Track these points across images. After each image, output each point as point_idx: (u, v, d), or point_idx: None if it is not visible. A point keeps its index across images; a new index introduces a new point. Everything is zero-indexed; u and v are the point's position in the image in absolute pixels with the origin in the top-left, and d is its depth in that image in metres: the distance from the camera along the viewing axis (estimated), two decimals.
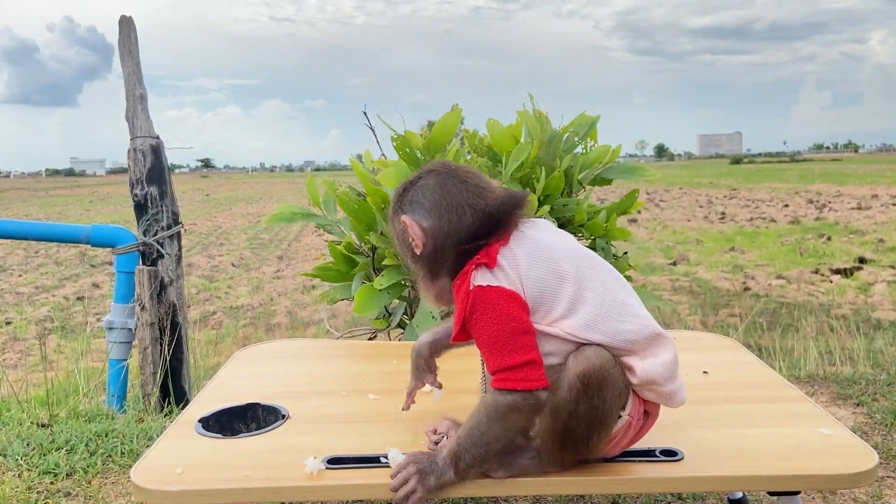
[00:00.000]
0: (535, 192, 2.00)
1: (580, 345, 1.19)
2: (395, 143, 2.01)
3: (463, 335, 1.21)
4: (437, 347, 1.47)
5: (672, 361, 1.24)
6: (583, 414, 1.18)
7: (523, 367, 1.13)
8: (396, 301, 2.33)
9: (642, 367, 1.20)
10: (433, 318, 2.09)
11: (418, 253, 1.22)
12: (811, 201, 20.28)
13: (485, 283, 1.16)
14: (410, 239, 1.21)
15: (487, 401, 1.17)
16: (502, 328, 1.14)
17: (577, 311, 1.19)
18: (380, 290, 2.04)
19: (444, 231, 1.19)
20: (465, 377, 1.60)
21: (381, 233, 2.12)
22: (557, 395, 1.18)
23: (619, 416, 1.22)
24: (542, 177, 2.05)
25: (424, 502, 1.19)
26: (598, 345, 1.19)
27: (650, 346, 1.23)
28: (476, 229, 1.19)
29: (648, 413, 1.28)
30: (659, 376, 1.21)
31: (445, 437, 1.34)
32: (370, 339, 2.47)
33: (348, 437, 1.43)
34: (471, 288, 1.17)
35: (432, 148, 1.97)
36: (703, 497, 1.92)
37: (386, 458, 1.31)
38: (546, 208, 2.02)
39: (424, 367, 1.48)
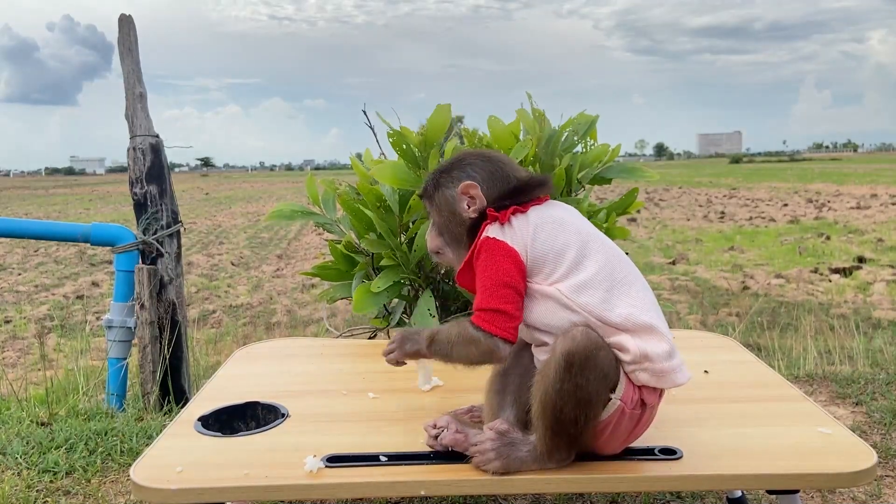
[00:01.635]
0: None
1: (572, 325, 1.24)
2: (391, 140, 2.01)
3: (462, 277, 1.37)
4: None
5: (667, 351, 1.25)
6: (567, 393, 1.21)
7: (495, 313, 1.26)
8: (396, 300, 2.33)
9: (635, 343, 1.23)
10: (432, 315, 2.09)
11: (472, 217, 1.35)
12: (810, 201, 20.28)
13: (492, 236, 1.31)
14: (465, 205, 1.35)
15: (463, 323, 1.32)
16: (492, 275, 1.28)
17: (572, 276, 1.27)
18: (375, 291, 2.04)
19: (493, 196, 1.35)
20: (465, 376, 1.60)
21: (379, 235, 2.12)
22: (545, 375, 1.23)
23: (610, 399, 1.24)
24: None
25: (401, 363, 1.45)
26: (586, 325, 1.24)
27: (641, 331, 1.25)
28: (511, 195, 1.35)
29: (646, 403, 1.28)
30: (652, 352, 1.24)
31: (445, 430, 1.34)
32: (370, 337, 2.48)
33: (347, 436, 1.43)
34: (481, 238, 1.32)
35: (428, 144, 1.98)
36: (703, 496, 1.92)
37: (386, 456, 1.32)
38: None
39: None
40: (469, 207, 1.35)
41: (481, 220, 1.35)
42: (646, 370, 1.24)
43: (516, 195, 1.35)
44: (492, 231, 1.32)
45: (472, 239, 1.35)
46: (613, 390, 1.24)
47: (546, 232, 1.30)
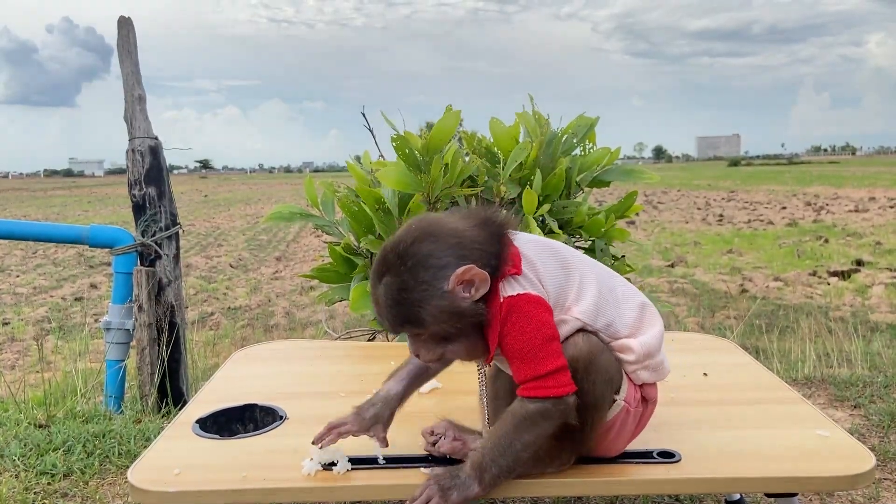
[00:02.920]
0: (534, 192, 2.00)
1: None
2: (394, 144, 2.01)
3: (493, 350, 1.19)
4: (407, 397, 1.37)
5: (661, 331, 1.27)
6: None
7: (553, 373, 1.14)
8: None
9: (639, 342, 1.23)
10: None
11: (475, 300, 1.14)
12: (809, 203, 20.30)
13: (514, 293, 1.15)
14: (466, 293, 1.13)
15: (515, 409, 1.16)
16: (533, 335, 1.13)
17: (582, 298, 1.21)
18: None
19: (486, 263, 1.15)
20: (464, 378, 1.60)
21: (379, 235, 2.12)
22: None
23: (615, 401, 1.23)
24: (539, 178, 2.06)
25: None
26: (594, 332, 1.22)
27: (643, 320, 1.26)
28: (498, 251, 1.17)
29: (647, 400, 1.29)
30: (654, 348, 1.24)
31: (443, 437, 1.33)
32: (369, 339, 2.47)
33: (345, 439, 1.43)
34: (501, 300, 1.15)
35: (431, 149, 1.98)
36: (701, 499, 1.92)
37: (384, 459, 1.31)
38: (546, 207, 2.02)
39: (380, 420, 1.32)
40: (472, 293, 1.14)
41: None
42: (647, 367, 1.25)
43: (499, 245, 1.17)
44: (509, 288, 1.16)
45: (480, 317, 1.16)
46: (617, 392, 1.24)
47: (547, 265, 1.21)
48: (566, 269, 1.22)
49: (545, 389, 1.14)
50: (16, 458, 2.16)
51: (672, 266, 9.83)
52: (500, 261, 1.16)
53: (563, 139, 2.26)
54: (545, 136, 2.16)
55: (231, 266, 11.40)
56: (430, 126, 2.13)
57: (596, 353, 1.19)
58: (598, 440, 1.27)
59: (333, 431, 1.30)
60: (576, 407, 1.17)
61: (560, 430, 1.19)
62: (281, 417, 1.54)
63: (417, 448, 1.37)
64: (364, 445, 1.37)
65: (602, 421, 1.23)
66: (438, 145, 1.98)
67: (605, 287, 1.25)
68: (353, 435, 1.30)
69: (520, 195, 2.19)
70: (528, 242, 1.23)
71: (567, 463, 1.28)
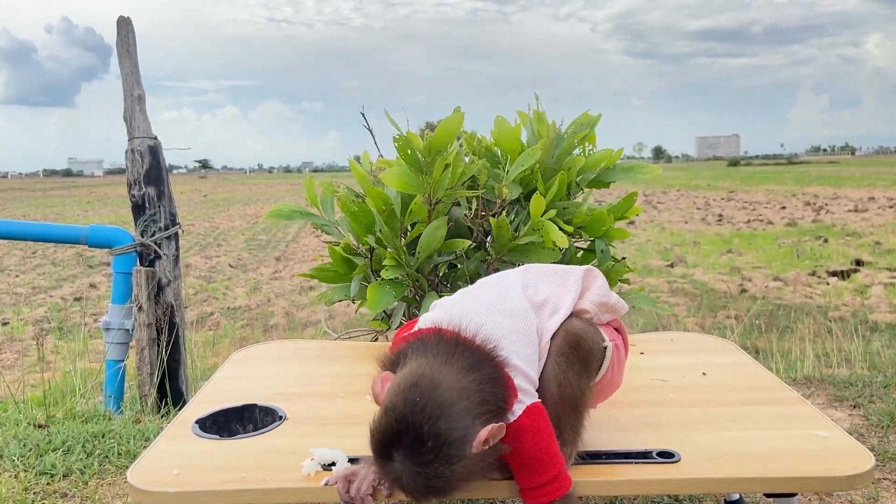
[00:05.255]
0: (540, 194, 2.00)
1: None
2: (396, 144, 2.01)
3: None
4: None
5: (602, 283, 1.39)
6: (574, 374, 1.27)
7: (556, 478, 1.20)
8: (396, 302, 2.32)
9: (589, 301, 1.35)
10: None
11: (503, 433, 1.13)
12: (808, 203, 20.30)
13: (518, 415, 1.19)
14: (493, 443, 1.11)
15: None
16: (538, 447, 1.19)
17: (556, 312, 1.32)
18: (387, 288, 2.03)
19: (488, 402, 1.16)
20: None
21: (380, 231, 2.12)
22: (554, 374, 1.27)
23: (605, 348, 1.32)
24: (555, 185, 2.06)
25: None
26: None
27: (588, 282, 1.39)
28: (500, 390, 1.18)
29: (618, 330, 1.41)
30: (601, 297, 1.36)
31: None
32: (373, 340, 2.47)
33: (345, 439, 1.43)
34: (509, 426, 1.17)
35: (433, 150, 1.97)
36: (700, 499, 1.92)
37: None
38: (553, 212, 2.02)
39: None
40: (492, 442, 1.12)
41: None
42: (606, 311, 1.37)
43: (499, 383, 1.18)
44: (512, 413, 1.20)
45: (498, 456, 1.19)
46: (603, 340, 1.33)
47: (524, 346, 1.25)
48: (523, 317, 1.29)
49: (549, 495, 1.20)
50: (15, 459, 2.15)
51: (672, 266, 9.83)
52: (506, 398, 1.18)
53: (570, 141, 2.25)
54: (550, 139, 2.16)
55: (230, 266, 11.40)
56: (430, 126, 2.13)
57: (578, 325, 1.30)
58: (609, 380, 1.36)
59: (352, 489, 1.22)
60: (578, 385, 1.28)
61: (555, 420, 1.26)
62: (280, 418, 1.54)
63: None
64: (364, 446, 1.37)
65: (601, 364, 1.33)
66: (441, 146, 1.97)
67: (548, 293, 1.36)
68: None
69: (523, 196, 2.19)
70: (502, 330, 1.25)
71: (568, 461, 1.28)
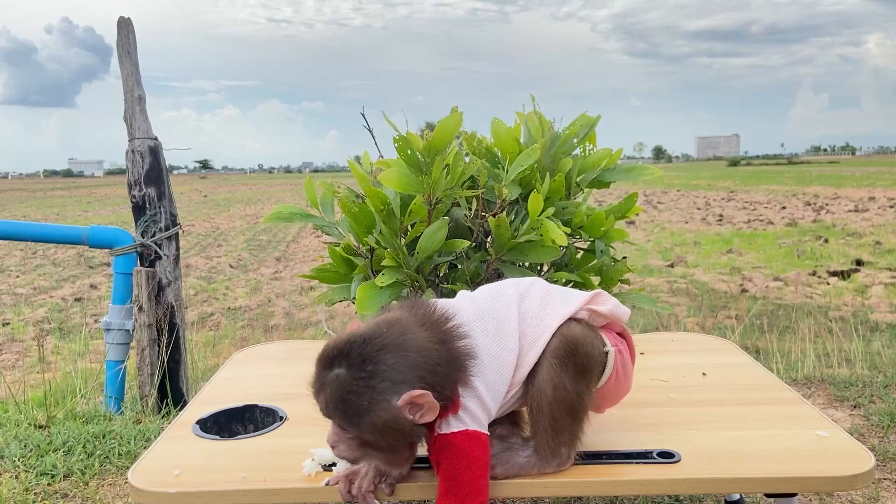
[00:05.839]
0: (538, 194, 2.00)
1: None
2: (396, 144, 2.01)
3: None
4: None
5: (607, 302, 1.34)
6: (568, 383, 1.24)
7: None
8: (395, 303, 2.32)
9: (608, 308, 1.32)
10: None
11: (431, 419, 1.15)
12: (808, 203, 20.30)
13: (452, 431, 1.18)
14: (413, 415, 1.13)
15: None
16: (461, 473, 1.16)
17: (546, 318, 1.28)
18: (381, 289, 2.04)
19: (438, 380, 1.15)
20: None
21: (381, 232, 2.12)
22: (547, 379, 1.24)
23: (606, 352, 1.29)
24: (547, 182, 2.06)
25: None
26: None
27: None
28: (454, 382, 1.18)
29: (622, 335, 1.37)
30: (601, 307, 1.32)
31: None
32: None
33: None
34: (438, 435, 1.19)
35: (433, 150, 1.97)
36: (701, 499, 1.92)
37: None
38: (550, 210, 2.02)
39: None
40: (417, 417, 1.14)
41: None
42: (613, 307, 1.33)
43: (456, 376, 1.18)
44: (445, 426, 1.19)
45: (417, 438, 1.20)
46: (604, 345, 1.30)
47: (494, 373, 1.22)
48: (504, 342, 1.24)
49: None
50: (16, 459, 2.16)
51: (672, 266, 9.84)
52: (452, 394, 1.18)
53: (566, 140, 2.25)
54: (548, 139, 2.16)
55: (231, 266, 11.40)
56: (430, 126, 2.13)
57: (576, 330, 1.27)
58: (614, 385, 1.33)
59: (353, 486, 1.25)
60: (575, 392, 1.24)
61: (553, 423, 1.25)
62: (281, 418, 1.54)
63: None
64: None
65: (598, 380, 1.30)
66: (440, 146, 1.97)
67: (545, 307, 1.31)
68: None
69: (522, 196, 2.19)
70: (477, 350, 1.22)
71: (567, 462, 1.28)
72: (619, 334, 1.37)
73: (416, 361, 1.14)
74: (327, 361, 1.15)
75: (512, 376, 1.24)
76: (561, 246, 2.03)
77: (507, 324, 1.26)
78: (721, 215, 17.78)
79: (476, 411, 1.20)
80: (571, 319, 1.28)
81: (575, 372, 1.25)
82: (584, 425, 1.29)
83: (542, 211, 1.98)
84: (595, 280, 2.16)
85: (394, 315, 1.21)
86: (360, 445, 1.18)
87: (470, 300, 1.32)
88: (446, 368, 1.17)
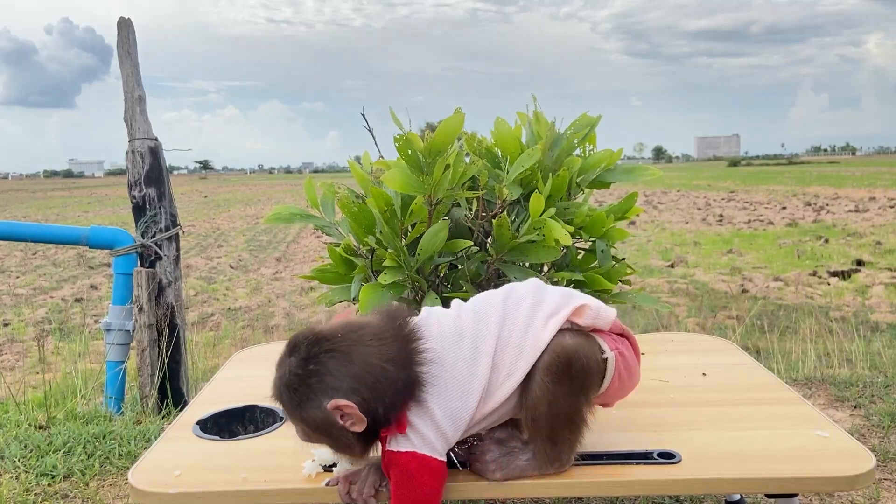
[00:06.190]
0: (540, 194, 2.00)
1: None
2: (397, 144, 2.01)
3: None
4: None
5: (590, 301, 1.30)
6: (563, 393, 1.22)
7: None
8: (395, 303, 2.32)
9: (595, 311, 1.27)
10: None
11: (359, 430, 1.16)
12: (809, 204, 20.30)
13: (401, 450, 1.17)
14: (343, 421, 1.15)
15: None
16: (406, 495, 1.17)
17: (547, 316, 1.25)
18: (383, 288, 2.04)
19: (372, 411, 1.14)
20: None
21: (381, 233, 2.12)
22: (540, 387, 1.22)
23: (605, 358, 1.26)
24: (550, 183, 2.06)
25: None
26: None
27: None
28: (397, 404, 1.17)
29: (623, 335, 1.33)
30: (594, 311, 1.27)
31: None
32: None
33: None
34: (387, 449, 1.19)
35: (434, 150, 1.97)
36: (701, 499, 1.92)
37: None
38: (552, 210, 2.02)
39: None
40: (347, 424, 1.15)
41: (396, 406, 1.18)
42: (592, 318, 1.28)
43: (401, 398, 1.16)
44: (394, 444, 1.18)
45: (347, 442, 1.19)
46: (603, 352, 1.26)
47: (452, 399, 1.19)
48: (473, 370, 1.21)
49: None
50: (16, 460, 2.16)
51: (672, 266, 9.84)
52: (392, 413, 1.16)
53: (567, 140, 2.25)
54: (549, 139, 2.16)
55: (231, 267, 11.41)
56: (430, 126, 2.13)
57: (570, 342, 1.23)
58: (618, 387, 1.30)
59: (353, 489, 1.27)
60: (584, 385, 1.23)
61: (550, 433, 1.23)
62: (281, 419, 1.54)
63: None
64: None
65: (598, 389, 1.27)
66: (442, 147, 1.97)
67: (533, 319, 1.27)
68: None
69: (523, 196, 2.19)
70: (435, 373, 1.20)
71: (567, 464, 1.28)
72: (619, 334, 1.35)
73: (355, 374, 1.14)
74: (287, 349, 1.19)
75: (477, 405, 1.20)
76: (563, 246, 2.03)
77: (482, 351, 1.22)
78: (721, 215, 17.78)
79: (428, 435, 1.17)
80: (563, 330, 1.24)
81: (571, 387, 1.22)
82: (584, 430, 1.27)
83: (544, 211, 1.98)
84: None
85: (364, 321, 1.22)
86: (303, 432, 1.21)
87: (453, 317, 1.27)
88: (388, 388, 1.15)
